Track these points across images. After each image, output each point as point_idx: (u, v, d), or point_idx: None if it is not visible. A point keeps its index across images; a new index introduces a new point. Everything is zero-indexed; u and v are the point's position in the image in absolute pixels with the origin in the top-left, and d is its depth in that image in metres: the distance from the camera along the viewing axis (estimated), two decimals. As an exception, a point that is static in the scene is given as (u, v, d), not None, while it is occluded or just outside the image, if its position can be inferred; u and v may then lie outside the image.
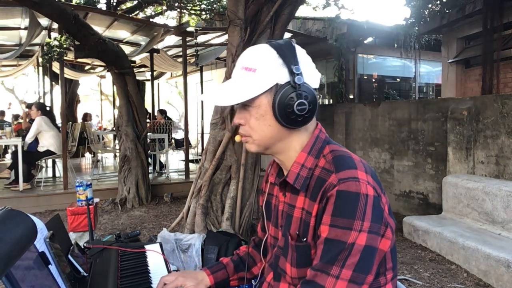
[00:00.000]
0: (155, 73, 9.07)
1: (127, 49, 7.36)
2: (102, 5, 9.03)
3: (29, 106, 7.59)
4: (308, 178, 0.93)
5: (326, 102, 8.71)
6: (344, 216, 0.83)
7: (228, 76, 3.66)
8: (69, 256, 1.10)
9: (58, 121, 6.75)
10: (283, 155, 0.98)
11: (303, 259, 0.93)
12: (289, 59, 0.89)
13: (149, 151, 6.41)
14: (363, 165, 0.90)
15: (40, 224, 0.95)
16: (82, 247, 1.36)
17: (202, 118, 8.98)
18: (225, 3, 8.23)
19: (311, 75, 0.92)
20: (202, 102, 9.52)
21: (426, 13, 7.40)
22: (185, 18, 10.16)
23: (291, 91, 0.88)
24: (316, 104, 0.92)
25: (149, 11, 10.67)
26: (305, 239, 0.92)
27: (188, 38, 6.43)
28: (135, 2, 9.65)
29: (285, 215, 1.00)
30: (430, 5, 7.39)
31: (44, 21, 5.86)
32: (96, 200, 3.37)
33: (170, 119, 8.27)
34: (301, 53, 0.93)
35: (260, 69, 0.90)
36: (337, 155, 0.92)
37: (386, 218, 0.89)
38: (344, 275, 0.82)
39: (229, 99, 0.90)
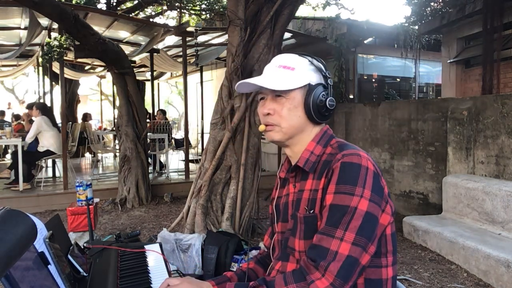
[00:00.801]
0: (155, 73, 9.07)
1: (127, 49, 7.37)
2: (102, 5, 9.03)
3: (29, 106, 7.58)
4: (316, 162, 1.05)
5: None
6: (346, 183, 0.94)
7: (228, 76, 3.66)
8: (69, 256, 1.10)
9: (58, 121, 6.74)
10: (298, 147, 1.10)
11: (311, 231, 0.99)
12: (319, 67, 1.08)
13: (149, 151, 6.41)
14: (365, 152, 1.02)
15: (39, 224, 0.95)
16: (82, 247, 1.36)
17: (202, 118, 8.98)
18: (225, 3, 8.23)
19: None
20: (202, 102, 9.53)
21: (428, 11, 7.39)
22: (185, 18, 10.16)
23: (323, 90, 1.06)
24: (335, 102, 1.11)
25: (149, 11, 10.67)
26: (312, 211, 1.01)
27: (188, 38, 6.43)
28: (135, 2, 9.65)
29: (295, 202, 1.08)
30: (431, 3, 7.38)
31: (44, 21, 5.85)
32: (96, 200, 3.37)
33: (167, 119, 8.27)
34: (322, 63, 1.11)
35: (297, 68, 1.06)
36: (342, 143, 1.06)
37: (387, 197, 0.99)
38: (348, 237, 0.90)
39: (272, 84, 1.03)
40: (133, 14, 9.14)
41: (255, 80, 1.06)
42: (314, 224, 0.99)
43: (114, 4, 9.33)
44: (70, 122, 7.74)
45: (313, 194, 1.02)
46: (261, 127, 1.09)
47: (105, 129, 11.99)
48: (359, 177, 0.93)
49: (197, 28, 6.56)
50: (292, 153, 1.11)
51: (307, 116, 1.06)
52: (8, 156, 9.34)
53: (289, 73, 1.06)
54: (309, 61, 1.08)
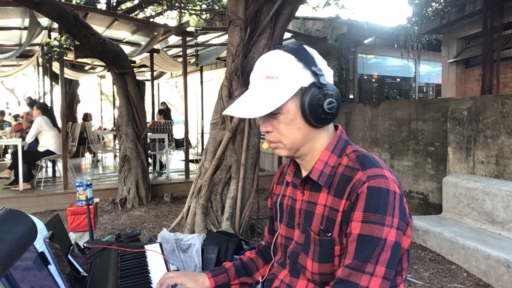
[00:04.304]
0: (155, 73, 9.07)
1: (127, 49, 7.37)
2: (102, 5, 9.04)
3: (31, 104, 7.58)
4: (331, 175, 0.96)
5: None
6: (377, 212, 0.86)
7: (228, 76, 3.66)
8: (69, 256, 1.10)
9: (58, 121, 6.75)
10: (309, 156, 1.00)
11: (326, 254, 0.94)
12: (308, 62, 0.92)
13: (149, 151, 6.41)
14: (386, 165, 0.95)
15: (39, 224, 0.95)
16: (82, 247, 1.36)
17: (202, 118, 8.98)
18: (225, 3, 8.23)
19: (328, 73, 0.96)
20: (202, 102, 9.53)
21: (430, 12, 7.39)
22: (185, 18, 10.17)
23: (318, 91, 0.91)
24: (340, 100, 0.96)
25: (149, 11, 10.68)
26: (330, 234, 0.93)
27: (188, 38, 6.44)
28: (135, 2, 9.65)
29: (304, 212, 1.01)
30: (433, 4, 7.38)
31: (44, 21, 5.86)
32: (96, 200, 3.37)
33: (171, 119, 8.26)
34: (315, 53, 0.96)
35: (282, 75, 0.92)
36: (361, 155, 0.95)
37: (408, 217, 0.93)
38: (379, 271, 0.85)
39: (258, 110, 0.91)
40: (133, 14, 9.14)
41: (231, 111, 0.95)
42: (330, 248, 0.93)
43: (114, 4, 9.34)
44: (70, 122, 7.74)
45: (329, 213, 0.94)
46: (265, 145, 1.02)
47: (105, 129, 11.99)
48: (388, 204, 0.86)
49: (197, 28, 6.57)
50: (303, 162, 1.02)
51: (309, 125, 0.94)
52: (8, 156, 9.34)
53: (274, 84, 0.92)
54: (295, 58, 0.92)
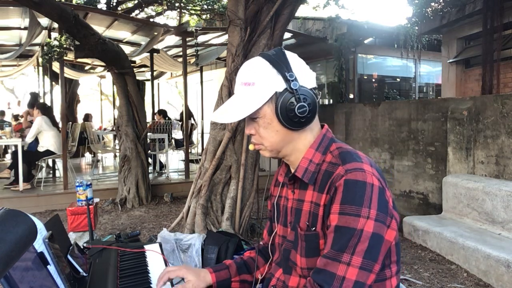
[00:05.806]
0: (155, 73, 9.07)
1: (127, 49, 7.37)
2: (102, 5, 9.03)
3: (31, 105, 7.58)
4: (316, 172, 0.99)
5: (326, 102, 8.70)
6: (352, 204, 0.88)
7: (228, 76, 3.66)
8: (69, 256, 1.10)
9: (58, 121, 6.74)
10: (293, 156, 1.04)
11: (312, 248, 0.97)
12: (282, 67, 0.96)
13: (149, 151, 6.40)
14: (368, 160, 0.97)
15: (39, 224, 0.95)
16: (82, 247, 1.36)
17: (202, 118, 8.98)
18: (225, 3, 8.23)
19: (306, 77, 0.98)
20: (202, 102, 9.53)
21: (430, 11, 7.38)
22: (185, 18, 10.16)
23: (290, 96, 0.95)
24: (315, 103, 0.98)
25: (149, 11, 10.68)
26: (314, 228, 0.96)
27: (188, 38, 6.44)
28: (135, 2, 9.65)
29: (294, 210, 1.04)
30: (432, 4, 7.37)
31: (44, 21, 5.86)
32: (96, 200, 3.37)
33: (170, 119, 8.25)
34: (293, 58, 0.99)
35: (258, 82, 0.97)
36: (344, 151, 0.98)
37: (391, 210, 0.93)
38: (355, 261, 0.86)
39: (235, 115, 0.97)
40: (133, 14, 9.14)
41: (214, 116, 1.02)
42: (315, 242, 0.96)
43: (114, 4, 9.34)
44: (70, 122, 7.74)
45: (314, 208, 0.97)
46: (251, 147, 1.08)
47: (105, 129, 11.99)
48: (365, 196, 0.88)
49: (197, 28, 6.57)
50: (290, 162, 1.07)
51: (285, 128, 0.97)
52: (8, 156, 9.34)
53: (250, 90, 0.97)
54: (270, 64, 0.96)
